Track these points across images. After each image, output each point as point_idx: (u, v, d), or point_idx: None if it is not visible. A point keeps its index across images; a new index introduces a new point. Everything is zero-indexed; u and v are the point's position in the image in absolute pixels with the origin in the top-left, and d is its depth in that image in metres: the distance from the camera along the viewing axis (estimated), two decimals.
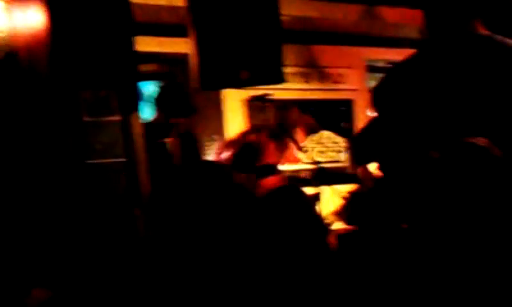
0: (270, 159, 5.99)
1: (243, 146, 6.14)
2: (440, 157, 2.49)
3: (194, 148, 6.19)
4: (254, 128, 6.30)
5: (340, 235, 5.96)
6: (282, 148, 6.28)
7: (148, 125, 6.11)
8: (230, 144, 6.23)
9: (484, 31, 2.69)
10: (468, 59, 2.62)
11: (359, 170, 5.58)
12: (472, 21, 2.68)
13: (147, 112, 7.66)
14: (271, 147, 6.13)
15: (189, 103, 5.95)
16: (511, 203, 2.48)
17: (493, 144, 2.42)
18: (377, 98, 2.86)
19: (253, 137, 6.19)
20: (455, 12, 2.67)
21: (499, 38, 2.66)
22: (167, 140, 5.93)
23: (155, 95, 6.89)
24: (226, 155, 6.02)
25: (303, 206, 5.65)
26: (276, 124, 6.45)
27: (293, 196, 5.65)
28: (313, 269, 5.35)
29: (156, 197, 4.91)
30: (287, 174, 6.45)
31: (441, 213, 2.57)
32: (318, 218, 5.72)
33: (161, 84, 7.36)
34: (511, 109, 2.48)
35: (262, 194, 6.07)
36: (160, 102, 6.16)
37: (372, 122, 2.95)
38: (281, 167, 6.45)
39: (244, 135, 6.41)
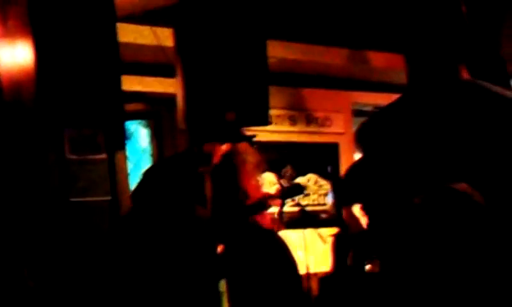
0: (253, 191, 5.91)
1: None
2: (422, 203, 2.49)
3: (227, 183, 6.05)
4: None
5: (322, 278, 5.93)
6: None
7: (188, 153, 6.01)
8: None
9: (467, 77, 2.70)
10: (451, 105, 2.62)
11: (344, 211, 5.57)
12: (456, 66, 2.68)
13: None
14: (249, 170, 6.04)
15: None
16: (492, 250, 2.48)
17: (475, 191, 2.42)
18: (362, 139, 2.87)
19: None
20: (438, 57, 2.68)
21: (483, 83, 2.67)
22: (202, 169, 5.84)
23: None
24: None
25: (278, 252, 5.62)
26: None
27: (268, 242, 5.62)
28: None
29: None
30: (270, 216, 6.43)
31: (422, 259, 2.57)
32: (293, 264, 5.67)
33: None
34: (493, 155, 2.49)
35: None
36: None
37: (357, 163, 2.95)
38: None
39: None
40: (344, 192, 5.76)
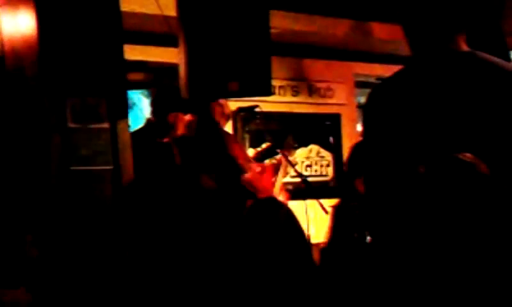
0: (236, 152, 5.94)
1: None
2: (426, 172, 2.50)
3: (192, 150, 6.11)
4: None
5: (323, 248, 5.95)
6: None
7: (147, 125, 6.07)
8: None
9: (466, 48, 2.70)
10: (451, 76, 2.62)
11: (358, 182, 5.56)
12: (454, 37, 2.68)
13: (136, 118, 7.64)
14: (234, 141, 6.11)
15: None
16: (496, 218, 2.49)
17: (480, 160, 2.42)
18: (366, 113, 2.87)
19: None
20: (436, 28, 2.68)
21: (481, 54, 2.67)
22: (165, 140, 5.89)
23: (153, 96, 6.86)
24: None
25: (286, 221, 5.64)
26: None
27: (274, 211, 5.64)
28: (297, 282, 5.33)
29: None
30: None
31: (425, 228, 2.58)
32: (301, 232, 5.70)
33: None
34: (495, 126, 2.49)
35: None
36: (158, 100, 6.10)
37: (364, 136, 2.95)
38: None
39: None
40: (360, 162, 5.78)
